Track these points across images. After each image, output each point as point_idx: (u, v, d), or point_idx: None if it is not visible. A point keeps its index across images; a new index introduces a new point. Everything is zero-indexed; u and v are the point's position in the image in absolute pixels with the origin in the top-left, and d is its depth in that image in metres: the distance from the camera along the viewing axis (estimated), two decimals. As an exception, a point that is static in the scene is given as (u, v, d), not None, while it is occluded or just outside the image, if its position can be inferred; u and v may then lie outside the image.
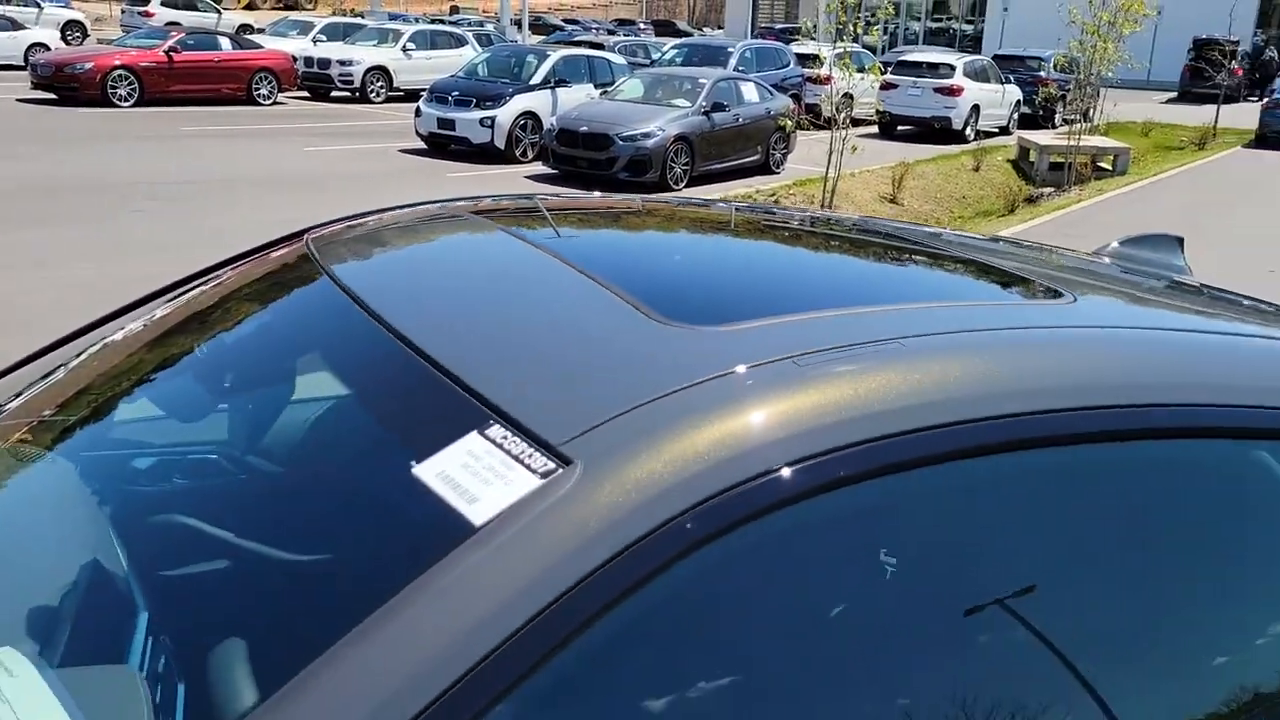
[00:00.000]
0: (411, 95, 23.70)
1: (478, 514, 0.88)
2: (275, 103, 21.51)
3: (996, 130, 23.09)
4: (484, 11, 67.55)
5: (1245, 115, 25.85)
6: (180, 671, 0.99)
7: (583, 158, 14.06)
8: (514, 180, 14.11)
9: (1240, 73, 31.68)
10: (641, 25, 61.03)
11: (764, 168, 16.12)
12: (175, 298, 1.66)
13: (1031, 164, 19.48)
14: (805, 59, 22.87)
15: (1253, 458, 1.18)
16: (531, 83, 16.26)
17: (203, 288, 1.60)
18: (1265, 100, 23.66)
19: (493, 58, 17.61)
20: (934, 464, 1.00)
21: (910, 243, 1.78)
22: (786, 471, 0.92)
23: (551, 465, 0.91)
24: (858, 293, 1.42)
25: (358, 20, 29.90)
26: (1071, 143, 18.68)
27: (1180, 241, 2.10)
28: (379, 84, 23.55)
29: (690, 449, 0.91)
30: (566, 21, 56.89)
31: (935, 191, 17.26)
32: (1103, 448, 1.08)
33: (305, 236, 1.68)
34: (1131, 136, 22.59)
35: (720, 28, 69.92)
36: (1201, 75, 30.68)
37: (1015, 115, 23.68)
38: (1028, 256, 1.85)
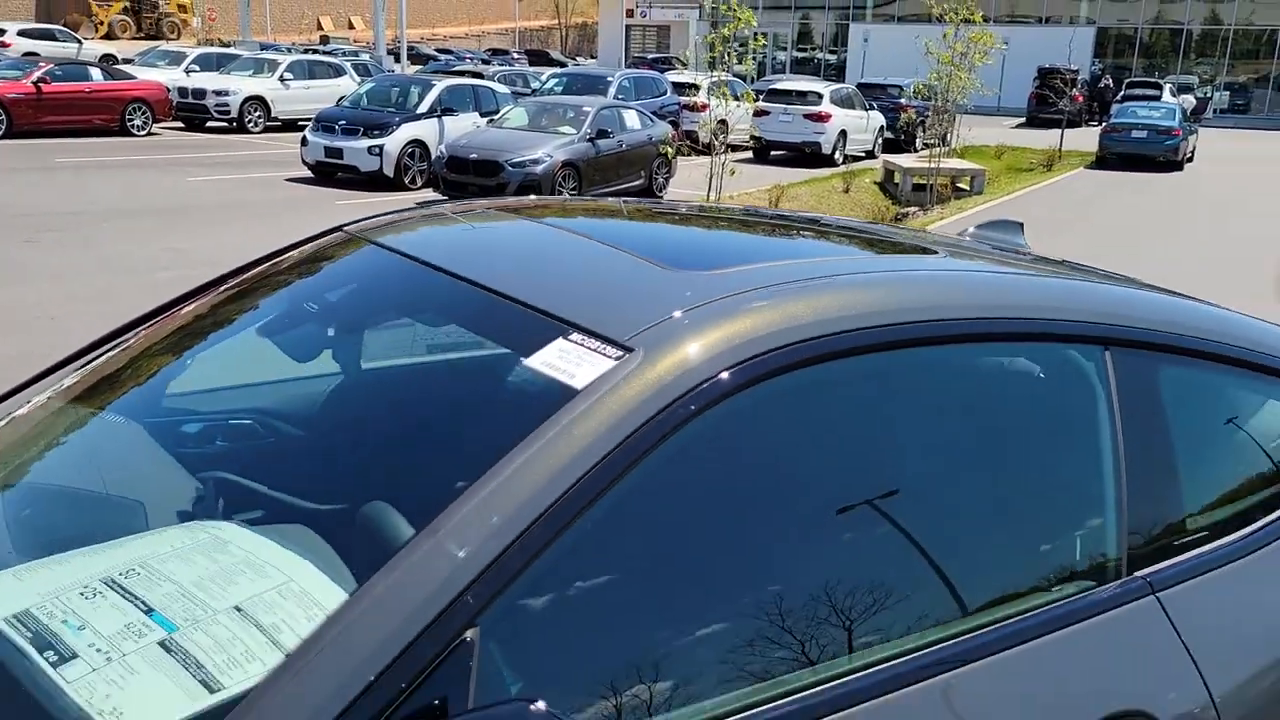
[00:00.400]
0: (289, 125, 23.68)
1: (578, 382, 1.34)
2: (150, 133, 21.23)
3: (863, 154, 24.31)
4: (355, 41, 67.06)
5: (1087, 138, 27.79)
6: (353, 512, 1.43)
7: (473, 184, 14.40)
8: (405, 207, 14.38)
9: (1081, 99, 33.94)
10: (515, 55, 61.48)
11: (647, 191, 16.73)
12: (240, 284, 2.06)
13: (896, 185, 20.62)
14: (681, 87, 23.71)
15: (1056, 355, 1.74)
16: (418, 111, 16.56)
17: (274, 272, 2.02)
18: (1103, 125, 25.48)
19: (378, 87, 17.84)
20: (858, 354, 1.51)
21: (833, 224, 2.33)
22: (764, 356, 1.41)
23: (620, 353, 1.38)
24: (798, 251, 1.92)
25: (232, 50, 29.61)
26: (932, 165, 19.91)
27: (1020, 225, 2.71)
28: (257, 114, 23.45)
29: (704, 341, 1.40)
30: (440, 51, 57.00)
31: (810, 210, 18.17)
32: (960, 347, 1.63)
33: (344, 229, 2.10)
34: (986, 159, 24.03)
35: (593, 57, 70.98)
36: (1046, 102, 32.77)
37: (879, 140, 24.98)
38: (913, 234, 2.43)
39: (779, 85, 24.59)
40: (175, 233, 11.02)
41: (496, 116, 16.72)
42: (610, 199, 2.76)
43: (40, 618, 1.27)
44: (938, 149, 20.64)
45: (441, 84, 17.42)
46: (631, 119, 16.59)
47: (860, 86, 26.49)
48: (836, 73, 44.64)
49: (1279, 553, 1.76)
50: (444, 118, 16.79)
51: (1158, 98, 30.56)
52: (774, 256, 1.80)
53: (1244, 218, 17.12)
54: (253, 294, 1.96)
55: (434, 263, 1.72)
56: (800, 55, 49.76)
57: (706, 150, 15.43)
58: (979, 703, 1.40)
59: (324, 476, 1.63)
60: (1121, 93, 33.57)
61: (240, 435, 1.84)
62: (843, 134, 23.04)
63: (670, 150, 16.44)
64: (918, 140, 26.62)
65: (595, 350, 1.39)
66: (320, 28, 77.39)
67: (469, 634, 1.13)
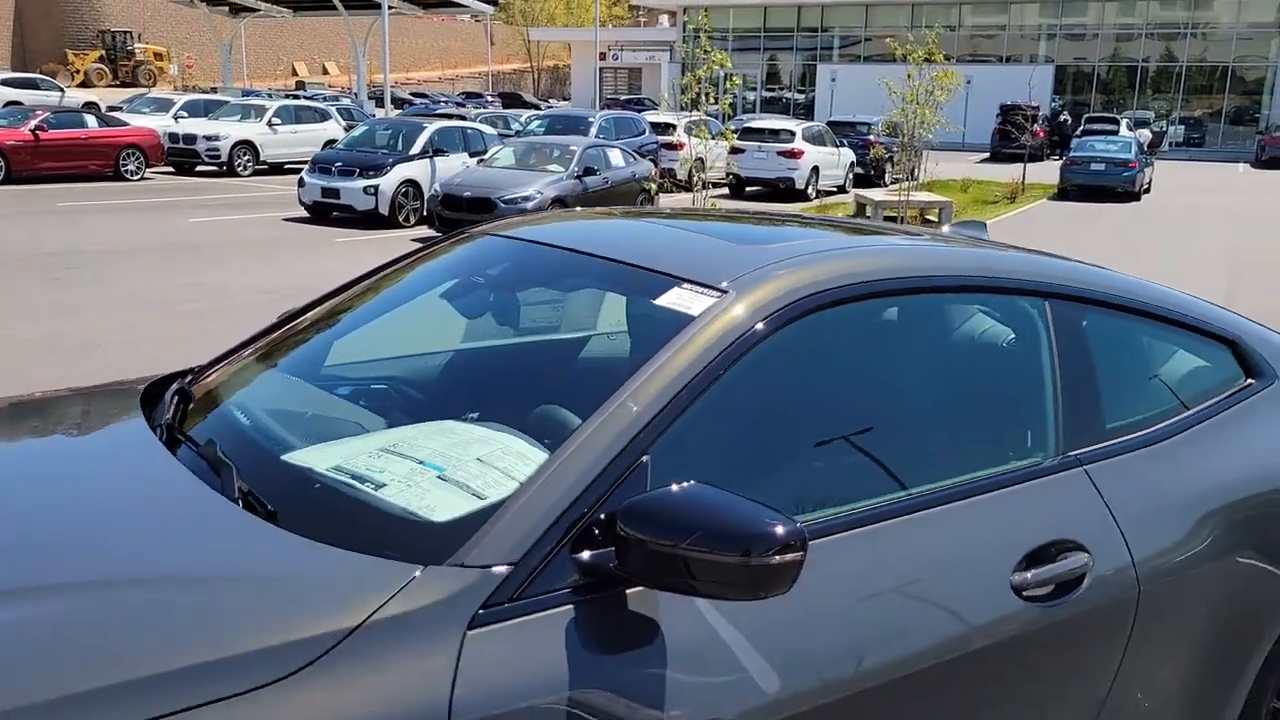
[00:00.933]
0: (276, 168, 24.40)
1: (694, 312, 2.04)
2: (143, 178, 21.83)
3: (835, 189, 25.25)
4: (330, 85, 67.97)
5: (1049, 172, 28.93)
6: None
7: (468, 220, 15.08)
8: (402, 243, 14.99)
9: (1041, 134, 35.19)
10: (489, 98, 62.34)
11: (632, 226, 17.49)
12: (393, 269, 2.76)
13: (868, 218, 21.53)
14: (659, 127, 24.60)
15: (1011, 304, 2.46)
16: (411, 153, 17.26)
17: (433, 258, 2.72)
18: (1063, 159, 26.57)
19: (370, 130, 18.55)
20: (872, 298, 2.22)
21: (836, 220, 3.07)
22: (805, 297, 2.11)
23: (718, 294, 2.07)
24: (817, 234, 2.62)
25: (218, 97, 30.32)
26: (901, 198, 20.84)
27: (984, 225, 3.46)
28: (246, 158, 24.11)
29: (768, 285, 2.09)
30: (415, 95, 57.88)
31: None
32: (944, 296, 2.37)
33: (481, 229, 2.79)
34: (952, 192, 25.02)
35: (565, 99, 72.35)
36: (1008, 137, 34.06)
37: (850, 175, 25.95)
38: (900, 227, 3.17)
39: (753, 124, 25.51)
40: (191, 269, 11.64)
41: (486, 156, 17.46)
42: (673, 207, 3.46)
43: (349, 468, 1.94)
44: (906, 183, 21.60)
45: (432, 126, 18.15)
46: (616, 157, 17.38)
47: (830, 124, 27.50)
48: (805, 111, 45.93)
49: (1173, 446, 2.48)
50: (435, 158, 17.49)
51: (1115, 132, 31.85)
52: (801, 237, 2.50)
53: (1196, 241, 18.09)
54: (424, 273, 2.66)
55: (569, 246, 2.43)
56: (769, 95, 51.11)
57: (686, 186, 16.20)
58: (964, 523, 2.09)
59: (516, 389, 2.34)
60: (1080, 128, 34.84)
61: (448, 364, 2.56)
62: (815, 169, 23.96)
63: (653, 186, 17.23)
64: (887, 175, 27.70)
65: (701, 293, 2.08)
66: (295, 73, 78.34)
67: (644, 459, 1.80)
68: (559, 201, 15.46)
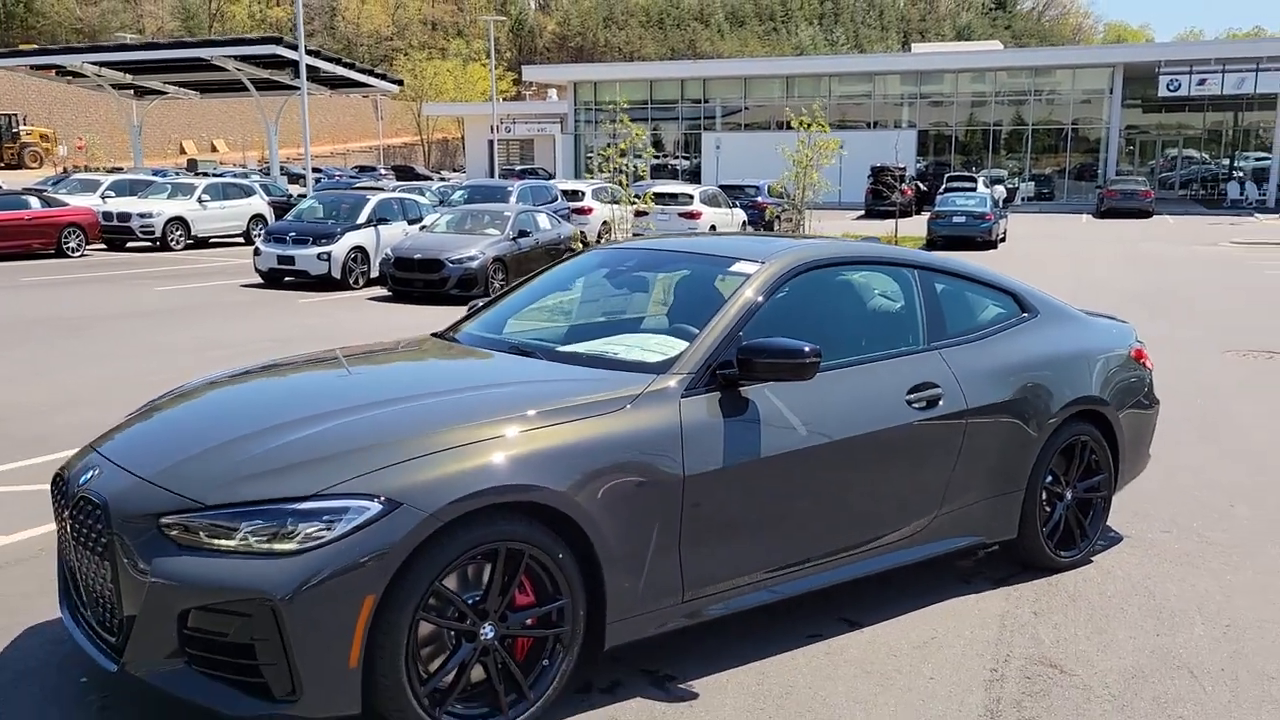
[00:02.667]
0: (202, 242, 25.92)
1: (748, 272, 4.23)
2: (83, 254, 23.09)
3: (730, 246, 27.90)
4: (221, 163, 68.63)
5: (917, 226, 32.24)
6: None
7: (418, 279, 16.99)
8: (359, 302, 16.81)
9: (909, 192, 38.73)
10: (382, 171, 63.81)
11: (559, 282, 19.65)
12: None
13: (763, 270, 24.16)
14: (569, 194, 26.94)
15: (897, 272, 4.74)
16: (357, 222, 19.12)
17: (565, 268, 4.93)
18: (930, 214, 29.80)
19: (317, 203, 20.39)
20: (836, 266, 4.49)
21: (805, 234, 5.38)
22: (797, 267, 4.33)
23: (759, 264, 4.28)
24: (799, 240, 4.83)
25: (145, 177, 31.59)
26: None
27: (878, 239, 5.81)
28: (179, 233, 25.52)
29: (780, 261, 4.32)
30: (315, 170, 59.05)
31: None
32: (865, 268, 4.66)
33: (593, 247, 4.97)
34: (835, 245, 27.94)
35: (456, 170, 74.54)
36: (880, 196, 37.50)
37: (743, 233, 28.70)
38: (840, 238, 5.46)
39: (655, 189, 28.03)
40: (190, 327, 13.30)
41: (427, 223, 19.45)
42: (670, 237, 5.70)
43: (598, 350, 4.10)
44: (806, 226, 24.33)
45: (375, 198, 20.08)
46: (544, 221, 19.55)
47: (722, 187, 30.25)
48: (691, 176, 49.00)
49: (981, 343, 4.74)
50: (379, 226, 19.40)
51: (974, 189, 35.51)
52: (788, 240, 4.75)
53: (1044, 276, 21.09)
54: (574, 269, 4.86)
55: (667, 249, 4.64)
56: (656, 162, 54.19)
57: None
58: (885, 370, 4.31)
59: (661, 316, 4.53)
60: (944, 185, 38.51)
61: (621, 308, 4.74)
62: (713, 228, 26.56)
63: (579, 246, 19.44)
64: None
65: (749, 264, 4.29)
66: (183, 151, 78.67)
67: (741, 333, 3.98)
68: (499, 261, 17.50)
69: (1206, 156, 53.57)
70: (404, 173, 59.82)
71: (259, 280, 18.49)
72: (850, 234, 30.67)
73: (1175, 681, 3.90)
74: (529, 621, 3.43)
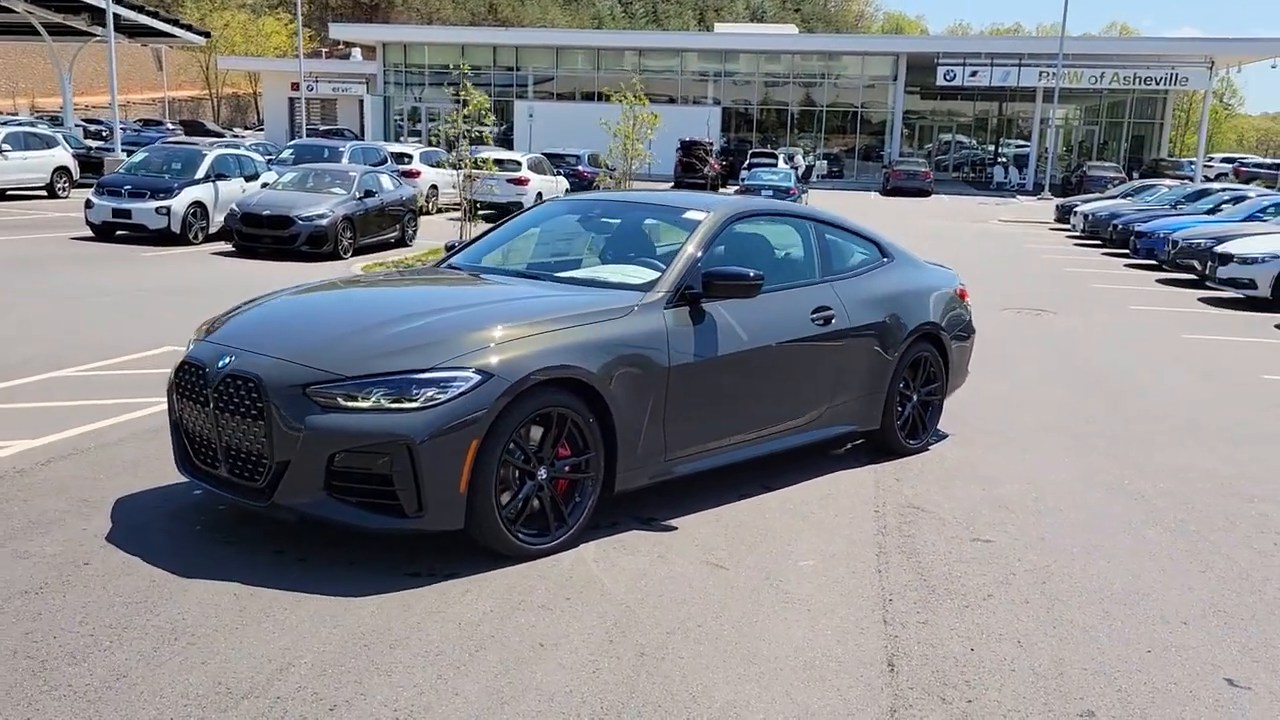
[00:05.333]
0: (1, 194, 25.00)
1: (699, 218, 5.59)
2: (-123, 203, 21.96)
3: (554, 212, 29.11)
4: (28, 111, 63.87)
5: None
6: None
7: (267, 235, 17.40)
8: (204, 257, 17.09)
9: (718, 166, 41.01)
10: (170, 125, 61.14)
11: (401, 242, 20.35)
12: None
13: (589, 235, 25.53)
14: (397, 157, 27.43)
15: (799, 224, 6.22)
16: (196, 177, 19.22)
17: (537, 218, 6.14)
18: (738, 186, 31.93)
19: (153, 156, 20.26)
20: (760, 217, 5.91)
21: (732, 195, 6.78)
22: (740, 213, 5.75)
23: (706, 212, 5.65)
24: (736, 198, 6.22)
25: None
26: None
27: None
28: (-23, 185, 24.51)
29: (725, 207, 5.73)
30: (87, 121, 55.97)
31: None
32: (784, 218, 6.13)
33: (546, 200, 6.19)
34: (652, 214, 29.63)
35: (249, 128, 72.08)
36: (691, 169, 39.57)
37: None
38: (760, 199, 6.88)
39: (481, 154, 28.85)
40: (49, 276, 13.45)
41: (270, 179, 19.74)
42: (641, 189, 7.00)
43: (587, 276, 5.36)
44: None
45: (212, 153, 20.16)
46: (386, 182, 20.20)
47: (546, 155, 31.36)
48: (503, 144, 49.68)
49: (856, 279, 6.27)
50: (217, 182, 19.56)
51: (775, 165, 38.06)
52: (728, 198, 6.14)
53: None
54: (549, 216, 6.08)
55: (630, 200, 5.94)
56: (467, 128, 54.50)
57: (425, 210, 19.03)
58: (796, 296, 5.77)
59: (635, 250, 5.79)
60: (747, 161, 40.93)
61: (583, 244, 5.99)
62: (539, 195, 27.67)
63: (421, 205, 20.16)
64: (594, 200, 31.98)
65: (700, 211, 5.65)
66: (-57, 96, 72.56)
67: (698, 264, 5.34)
68: (348, 220, 18.13)
69: (974, 142, 58.77)
70: (193, 128, 57.43)
71: (88, 234, 18.35)
72: (665, 204, 32.53)
73: (1000, 513, 5.54)
74: (567, 468, 4.68)
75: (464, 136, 19.64)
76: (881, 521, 5.35)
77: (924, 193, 42.40)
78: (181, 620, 3.82)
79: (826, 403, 6.04)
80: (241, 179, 20.28)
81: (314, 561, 4.43)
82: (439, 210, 27.48)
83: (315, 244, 17.39)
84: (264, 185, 19.66)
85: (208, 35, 42.74)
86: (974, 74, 48.33)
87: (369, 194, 19.01)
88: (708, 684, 3.52)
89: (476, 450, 4.29)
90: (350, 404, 4.26)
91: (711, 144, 41.12)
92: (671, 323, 5.10)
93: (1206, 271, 16.82)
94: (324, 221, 17.54)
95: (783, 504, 5.56)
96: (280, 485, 4.32)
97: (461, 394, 4.27)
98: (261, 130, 62.22)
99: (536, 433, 4.56)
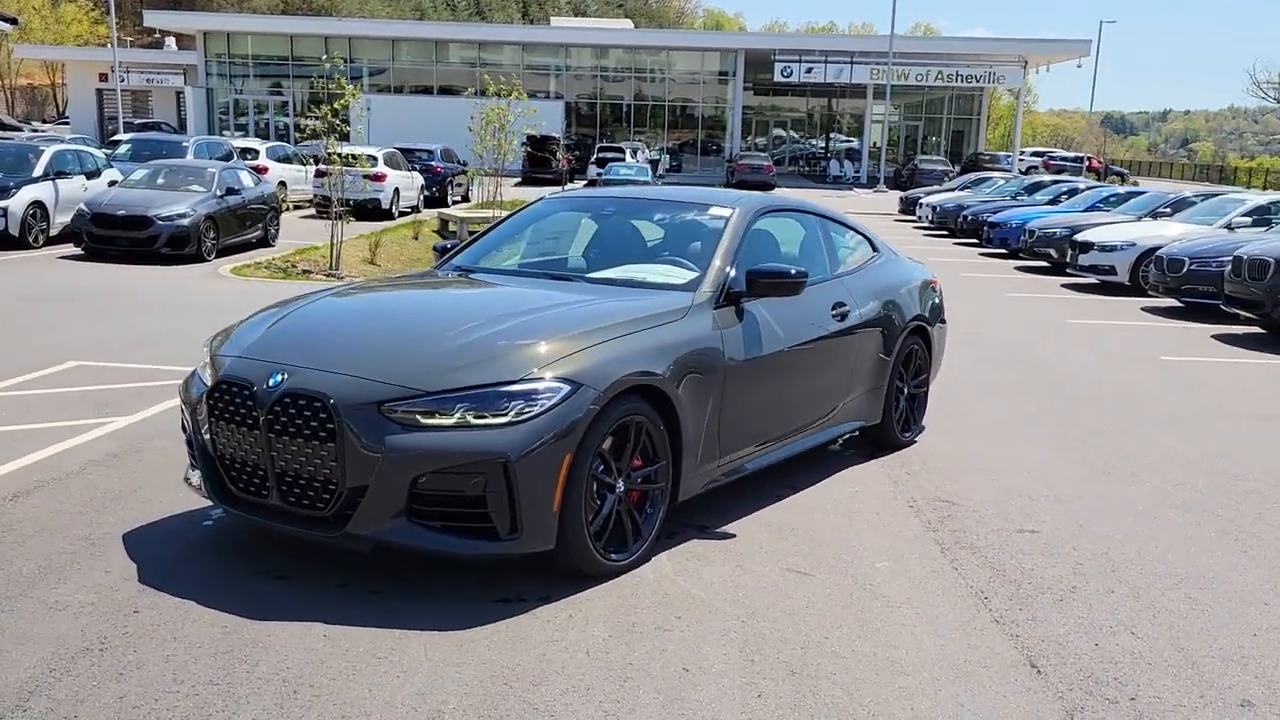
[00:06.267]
0: None
1: (724, 214, 5.46)
2: None
3: (410, 209, 28.27)
4: None
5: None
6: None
7: (122, 237, 16.19)
8: (51, 261, 15.77)
9: (568, 161, 40.79)
10: (-42, 121, 56.45)
11: (264, 241, 19.35)
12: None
13: (453, 233, 24.89)
14: (243, 152, 26.06)
15: (812, 220, 6.20)
16: (33, 175, 17.73)
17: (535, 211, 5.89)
18: (599, 182, 31.85)
19: (-17, 153, 18.57)
20: (779, 212, 5.83)
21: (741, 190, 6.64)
22: (762, 208, 5.66)
23: (731, 210, 5.52)
24: (751, 194, 6.09)
25: None
26: (481, 214, 24.54)
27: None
28: None
29: (744, 205, 5.62)
30: None
31: (399, 255, 21.81)
32: (796, 214, 6.09)
33: (546, 197, 5.94)
34: (510, 209, 29.13)
35: (48, 122, 67.16)
36: (539, 163, 39.19)
37: (421, 196, 29.15)
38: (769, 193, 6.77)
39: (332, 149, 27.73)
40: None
41: (121, 177, 18.39)
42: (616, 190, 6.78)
43: (626, 275, 5.15)
44: (478, 202, 25.28)
45: (50, 149, 18.63)
46: (246, 178, 19.15)
47: (400, 150, 30.44)
48: (340, 138, 47.92)
49: (865, 272, 6.28)
50: (57, 180, 18.10)
51: (623, 159, 38.13)
52: (742, 193, 6.01)
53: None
54: (549, 209, 5.92)
55: (647, 197, 5.75)
56: (336, 122, 52.32)
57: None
58: (817, 293, 5.72)
59: (662, 251, 5.58)
60: (595, 156, 40.85)
61: (603, 244, 5.73)
62: (397, 191, 26.86)
63: (282, 204, 19.16)
64: (449, 196, 31.39)
65: (724, 207, 5.51)
66: None
67: (736, 260, 5.22)
68: (210, 219, 17.07)
69: (797, 136, 60.62)
70: (-15, 120, 53.09)
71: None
72: (520, 200, 32.07)
73: (1024, 502, 5.63)
74: (639, 479, 4.47)
75: (332, 131, 18.82)
76: (923, 517, 5.34)
77: (768, 186, 43.23)
78: (288, 670, 3.43)
79: (841, 399, 6.01)
80: (83, 177, 18.83)
81: (388, 594, 4.08)
82: (292, 207, 26.29)
83: (177, 245, 16.33)
84: (111, 183, 18.29)
85: (15, 22, 39.51)
86: (809, 70, 49.70)
87: (231, 191, 17.99)
88: (878, 699, 3.41)
89: (570, 464, 4.03)
90: (431, 421, 3.93)
91: (557, 138, 40.83)
92: (721, 323, 4.95)
93: (1067, 259, 17.79)
94: (185, 221, 16.49)
95: (817, 504, 5.49)
96: (355, 513, 3.94)
97: (553, 406, 4.00)
98: (66, 124, 58.06)
99: (608, 443, 4.33)
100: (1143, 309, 14.81)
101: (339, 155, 19.31)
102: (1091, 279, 17.13)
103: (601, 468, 4.26)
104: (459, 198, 33.70)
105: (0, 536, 4.55)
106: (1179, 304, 14.91)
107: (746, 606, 4.11)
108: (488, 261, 5.82)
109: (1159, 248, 15.92)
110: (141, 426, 6.47)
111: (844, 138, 60.80)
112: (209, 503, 4.99)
